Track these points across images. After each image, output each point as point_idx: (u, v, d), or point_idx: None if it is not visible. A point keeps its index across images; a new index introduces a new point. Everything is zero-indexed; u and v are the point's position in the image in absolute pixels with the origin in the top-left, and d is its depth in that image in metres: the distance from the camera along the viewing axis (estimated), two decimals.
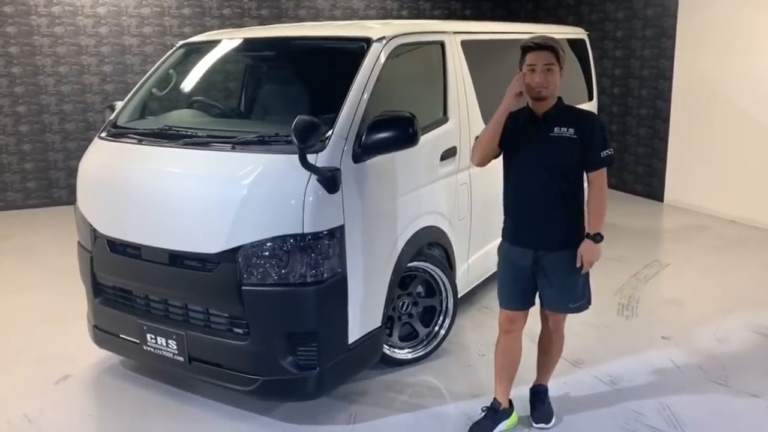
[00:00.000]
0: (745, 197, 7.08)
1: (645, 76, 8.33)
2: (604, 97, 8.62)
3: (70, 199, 7.61)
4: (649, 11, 8.16)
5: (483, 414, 3.37)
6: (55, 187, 8.26)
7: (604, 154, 3.05)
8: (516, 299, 3.24)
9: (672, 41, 7.83)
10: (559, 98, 3.09)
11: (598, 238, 3.06)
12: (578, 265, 3.08)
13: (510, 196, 3.21)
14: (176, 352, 3.42)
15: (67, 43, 8.03)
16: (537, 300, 3.27)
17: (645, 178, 8.47)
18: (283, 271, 3.13)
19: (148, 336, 3.50)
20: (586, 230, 3.10)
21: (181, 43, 4.45)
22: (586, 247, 3.06)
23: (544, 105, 3.05)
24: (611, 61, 8.79)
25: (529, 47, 3.00)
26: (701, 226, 7.14)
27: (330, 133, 3.25)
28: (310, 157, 3.09)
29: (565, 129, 3.01)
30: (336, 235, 3.19)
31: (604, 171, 3.09)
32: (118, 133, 3.88)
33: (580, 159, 3.04)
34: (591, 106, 6.23)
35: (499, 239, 3.30)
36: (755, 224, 6.97)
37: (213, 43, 4.37)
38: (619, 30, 8.63)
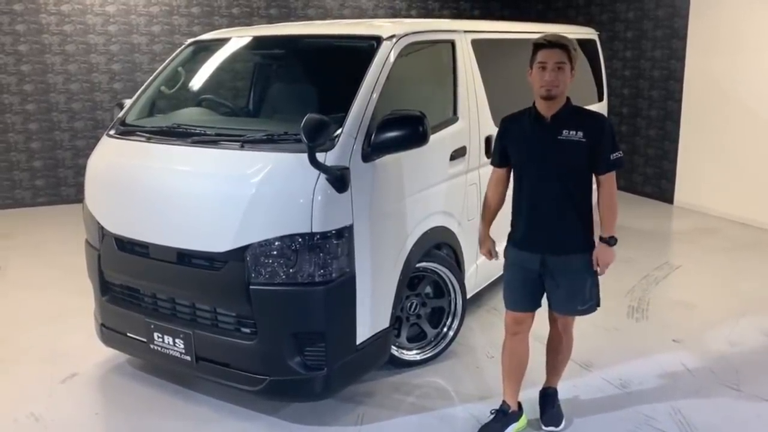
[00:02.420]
0: (756, 199, 7.02)
1: (655, 77, 8.27)
2: (614, 98, 8.57)
3: (78, 197, 7.64)
4: (660, 12, 8.10)
5: (492, 416, 3.33)
6: (63, 185, 8.27)
7: (613, 157, 3.00)
8: (523, 301, 3.20)
9: (683, 42, 7.77)
10: (568, 99, 3.04)
11: (612, 241, 3.05)
12: (594, 268, 3.06)
13: (517, 198, 3.17)
14: (183, 351, 3.41)
15: (76, 42, 8.04)
16: (545, 302, 3.23)
17: (655, 180, 8.41)
18: (291, 270, 3.11)
19: (155, 335, 3.49)
20: (600, 234, 3.07)
21: (190, 40, 4.43)
22: (600, 250, 3.05)
23: (552, 106, 2.99)
24: (621, 62, 8.73)
25: (541, 44, 2.95)
26: (711, 228, 7.08)
27: (339, 131, 3.22)
28: (320, 156, 3.06)
29: (573, 132, 2.96)
30: (344, 234, 3.16)
31: (613, 174, 3.05)
32: (126, 131, 3.87)
33: (589, 162, 3.00)
34: (601, 107, 6.20)
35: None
36: (766, 227, 6.91)
37: (222, 41, 4.35)
38: (630, 31, 8.58)
